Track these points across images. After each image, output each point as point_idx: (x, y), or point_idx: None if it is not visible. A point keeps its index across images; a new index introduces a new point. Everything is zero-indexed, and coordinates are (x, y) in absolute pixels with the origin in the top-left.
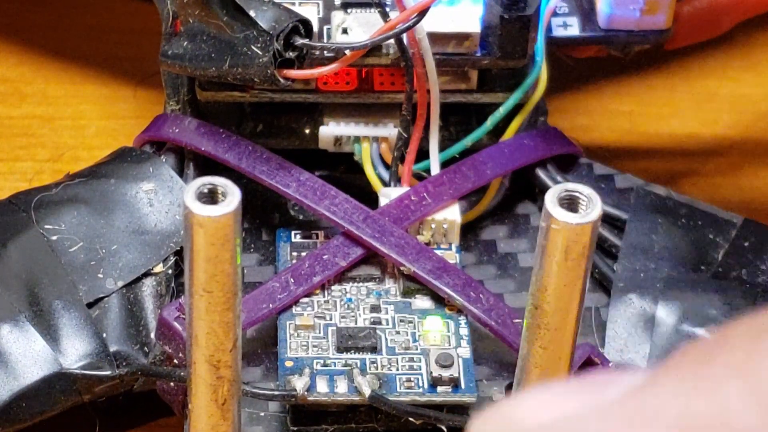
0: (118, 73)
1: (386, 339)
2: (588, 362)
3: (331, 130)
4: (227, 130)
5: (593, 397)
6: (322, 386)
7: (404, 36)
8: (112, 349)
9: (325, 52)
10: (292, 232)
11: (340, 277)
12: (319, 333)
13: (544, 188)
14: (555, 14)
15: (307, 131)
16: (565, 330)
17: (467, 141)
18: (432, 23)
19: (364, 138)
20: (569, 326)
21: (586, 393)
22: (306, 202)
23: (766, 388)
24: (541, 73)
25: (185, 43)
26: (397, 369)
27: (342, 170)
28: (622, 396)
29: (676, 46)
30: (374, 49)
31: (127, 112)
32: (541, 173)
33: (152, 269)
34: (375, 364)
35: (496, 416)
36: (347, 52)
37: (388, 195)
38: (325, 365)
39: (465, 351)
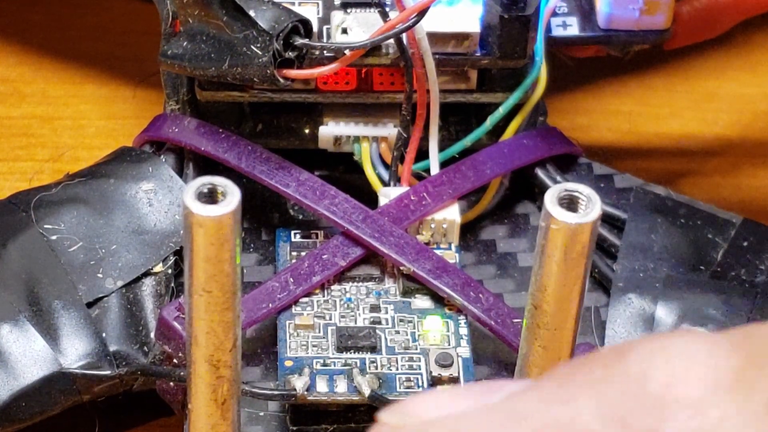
0: (118, 73)
1: (386, 339)
2: None
3: (330, 129)
4: (227, 130)
5: (478, 400)
6: (321, 386)
7: (404, 36)
8: (112, 348)
9: (325, 52)
10: (292, 232)
11: (340, 276)
12: (319, 333)
13: (544, 188)
14: (554, 14)
15: (306, 131)
16: (565, 330)
17: (467, 141)
18: (431, 23)
19: (364, 138)
20: (569, 326)
21: (473, 396)
22: (305, 202)
23: (609, 403)
24: (541, 73)
25: (185, 43)
26: (397, 369)
27: (342, 170)
28: (501, 400)
29: (676, 46)
30: (374, 49)
31: (126, 112)
32: (540, 173)
33: (152, 269)
34: (375, 364)
35: (396, 410)
36: (347, 52)
37: (387, 195)
38: (324, 365)
39: (465, 351)
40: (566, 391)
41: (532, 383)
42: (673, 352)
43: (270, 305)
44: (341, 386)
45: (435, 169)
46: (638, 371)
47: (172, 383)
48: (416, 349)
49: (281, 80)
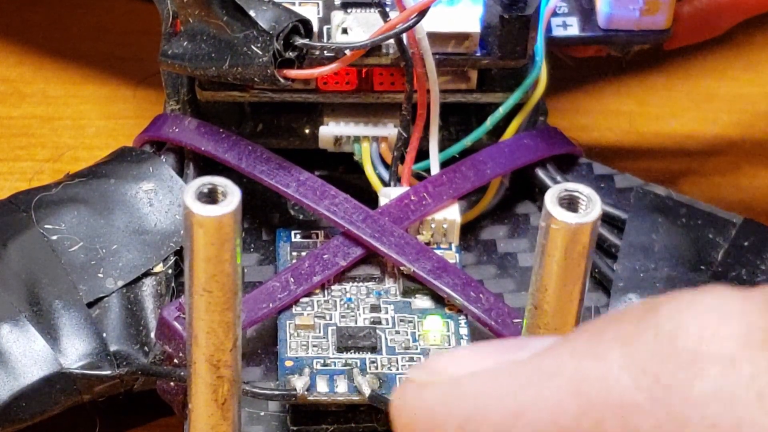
0: (118, 73)
1: (386, 339)
2: None
3: (331, 130)
4: (227, 130)
5: (506, 356)
6: (322, 386)
7: (404, 36)
8: (112, 348)
9: (325, 52)
10: (292, 232)
11: (340, 276)
12: (319, 333)
13: (544, 188)
14: (555, 14)
15: (307, 131)
16: (565, 330)
17: (467, 141)
18: (432, 23)
19: (364, 138)
20: (569, 326)
21: (502, 352)
22: (306, 202)
23: (641, 356)
24: (541, 73)
25: (185, 43)
26: (397, 369)
27: (342, 170)
28: (529, 357)
29: (676, 46)
30: (374, 49)
31: (127, 112)
32: (540, 173)
33: (152, 269)
34: (375, 364)
35: (424, 367)
36: (347, 52)
37: (388, 195)
38: (325, 365)
39: None
40: (596, 347)
41: (561, 339)
42: (704, 307)
43: (270, 305)
44: (341, 386)
45: (435, 169)
46: (670, 326)
47: (172, 383)
48: (416, 349)
49: (281, 80)
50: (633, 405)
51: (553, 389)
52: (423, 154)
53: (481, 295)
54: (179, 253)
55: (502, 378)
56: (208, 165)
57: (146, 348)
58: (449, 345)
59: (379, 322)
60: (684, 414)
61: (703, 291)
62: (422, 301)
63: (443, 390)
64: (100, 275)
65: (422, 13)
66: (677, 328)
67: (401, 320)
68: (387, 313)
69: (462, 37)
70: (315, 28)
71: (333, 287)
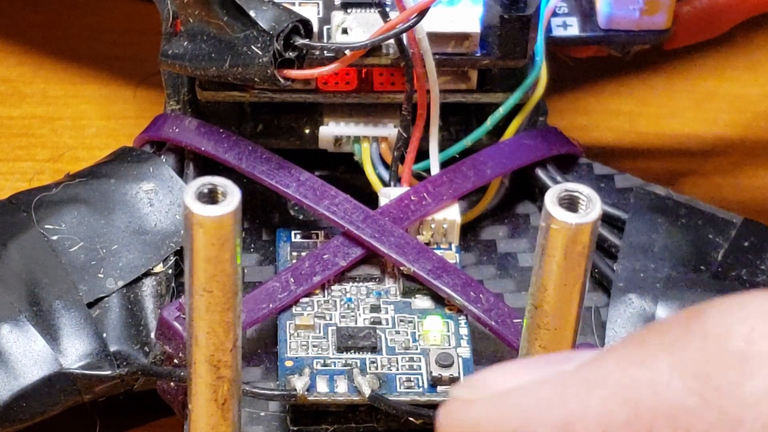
0: (118, 73)
1: (386, 339)
2: None
3: (331, 130)
4: (227, 130)
5: (551, 368)
6: (322, 386)
7: (404, 36)
8: (112, 348)
9: (325, 52)
10: (292, 232)
11: (340, 276)
12: (319, 333)
13: (544, 188)
14: (555, 14)
15: (307, 131)
16: (565, 330)
17: (467, 141)
18: (432, 23)
19: (364, 138)
20: (569, 326)
21: (547, 365)
22: (306, 202)
23: (688, 361)
24: (541, 73)
25: (185, 43)
26: (397, 369)
27: (342, 170)
28: (575, 367)
29: (676, 46)
30: (374, 49)
31: (127, 112)
32: (541, 173)
33: (152, 269)
34: (375, 364)
35: (467, 384)
36: (347, 52)
37: (388, 195)
38: (325, 365)
39: (465, 351)
40: (643, 353)
41: (606, 349)
42: (751, 309)
43: (270, 305)
44: (341, 386)
45: (435, 169)
46: (717, 329)
47: (172, 383)
48: (416, 349)
49: (282, 80)
50: (684, 408)
51: (601, 398)
52: (423, 154)
53: (481, 295)
54: (179, 253)
55: (548, 389)
56: (208, 165)
57: (146, 348)
58: (449, 345)
59: (379, 322)
60: (736, 415)
61: (748, 294)
62: (422, 301)
63: (490, 405)
64: (101, 275)
65: (422, 13)
66: (725, 330)
67: (401, 320)
68: (387, 313)
69: (462, 37)
70: (315, 28)
71: (333, 287)
